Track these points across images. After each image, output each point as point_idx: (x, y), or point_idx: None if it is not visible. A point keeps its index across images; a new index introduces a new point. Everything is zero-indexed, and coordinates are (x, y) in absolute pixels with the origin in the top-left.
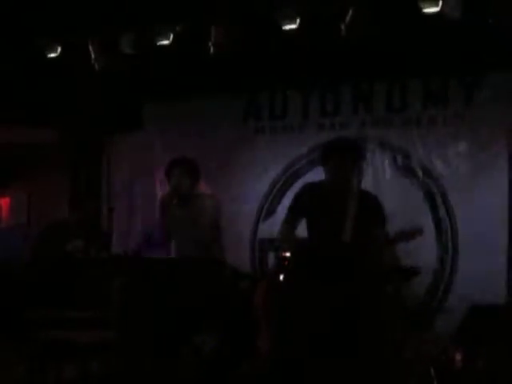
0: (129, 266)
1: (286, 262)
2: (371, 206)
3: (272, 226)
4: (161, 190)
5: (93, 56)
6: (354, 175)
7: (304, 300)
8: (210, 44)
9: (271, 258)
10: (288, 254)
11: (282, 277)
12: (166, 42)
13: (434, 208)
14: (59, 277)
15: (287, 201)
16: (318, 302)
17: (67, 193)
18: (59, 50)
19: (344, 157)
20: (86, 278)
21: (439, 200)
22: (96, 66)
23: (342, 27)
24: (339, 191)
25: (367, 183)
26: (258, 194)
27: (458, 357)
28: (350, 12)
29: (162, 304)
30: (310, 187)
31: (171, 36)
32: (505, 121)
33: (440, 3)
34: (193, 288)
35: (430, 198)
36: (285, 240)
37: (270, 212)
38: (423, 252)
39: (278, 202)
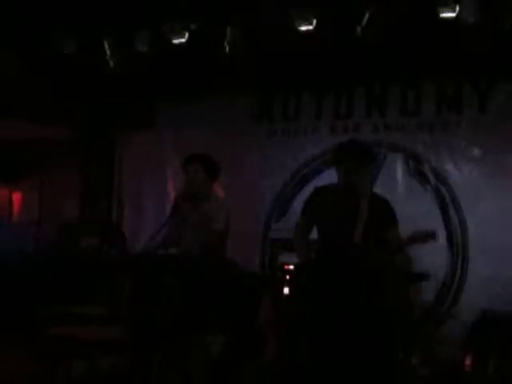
0: (140, 263)
1: (290, 276)
2: (382, 209)
3: (283, 227)
4: (173, 188)
5: (107, 53)
6: (366, 178)
7: (314, 306)
8: (225, 43)
9: (281, 258)
10: (292, 267)
11: (286, 290)
12: (181, 41)
13: (445, 213)
14: (72, 273)
15: (299, 202)
16: (328, 306)
17: (79, 190)
18: (74, 47)
19: (357, 159)
20: (98, 274)
21: (451, 205)
22: (110, 64)
23: (358, 30)
24: (351, 193)
25: (379, 187)
26: (270, 195)
27: (468, 362)
28: (367, 15)
29: (172, 302)
30: (321, 190)
31: (186, 35)
32: None
33: (457, 8)
34: (202, 287)
35: (441, 203)
36: (297, 246)
37: (282, 213)
38: (434, 257)
39: (290, 204)
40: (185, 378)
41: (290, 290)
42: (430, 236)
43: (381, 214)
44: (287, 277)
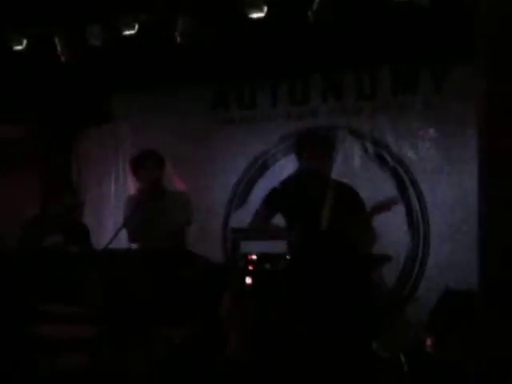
0: (103, 259)
1: (252, 266)
2: (350, 195)
3: (243, 216)
4: (132, 184)
5: (59, 49)
6: (327, 165)
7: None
8: (176, 34)
9: (243, 247)
10: (254, 257)
11: (248, 280)
12: (131, 33)
13: (404, 195)
14: (34, 271)
15: (258, 190)
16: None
17: (38, 189)
18: (25, 42)
19: (317, 148)
20: (60, 272)
21: (409, 186)
22: (62, 59)
23: (310, 15)
24: (314, 181)
25: (337, 171)
26: (228, 184)
27: (429, 343)
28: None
29: (136, 296)
30: (285, 182)
31: (136, 26)
32: (473, 108)
33: None
34: (166, 279)
35: (400, 184)
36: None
37: (242, 202)
38: (395, 238)
39: (249, 192)
40: (148, 372)
41: (252, 281)
42: (393, 202)
43: (348, 200)
44: (250, 267)
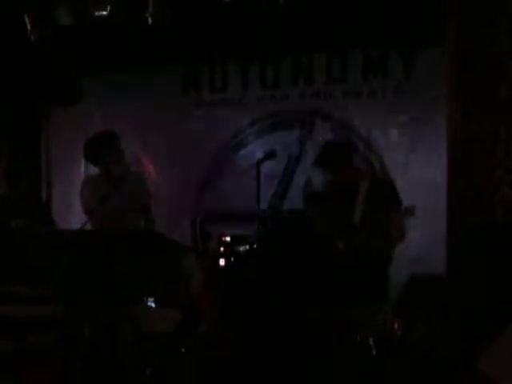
0: (72, 240)
1: (224, 248)
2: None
3: (213, 200)
4: None
5: (28, 28)
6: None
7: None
8: (147, 15)
9: (214, 230)
10: (228, 239)
11: (222, 262)
12: (103, 13)
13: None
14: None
15: (228, 173)
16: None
17: (5, 169)
18: None
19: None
20: (28, 253)
21: (380, 173)
22: (31, 38)
23: None
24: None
25: (307, 156)
26: (198, 168)
27: (397, 326)
28: None
29: (104, 278)
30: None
31: (108, 7)
32: (443, 93)
33: None
34: (135, 261)
35: (369, 169)
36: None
37: (211, 186)
38: None
39: (219, 176)
40: (114, 352)
41: (225, 262)
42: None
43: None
44: (222, 248)
